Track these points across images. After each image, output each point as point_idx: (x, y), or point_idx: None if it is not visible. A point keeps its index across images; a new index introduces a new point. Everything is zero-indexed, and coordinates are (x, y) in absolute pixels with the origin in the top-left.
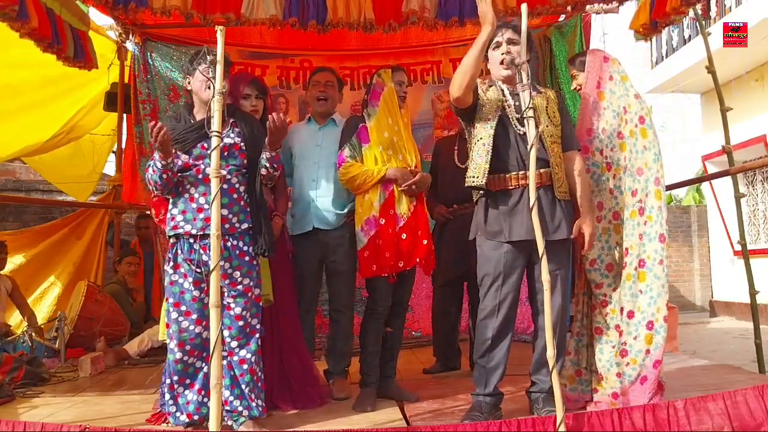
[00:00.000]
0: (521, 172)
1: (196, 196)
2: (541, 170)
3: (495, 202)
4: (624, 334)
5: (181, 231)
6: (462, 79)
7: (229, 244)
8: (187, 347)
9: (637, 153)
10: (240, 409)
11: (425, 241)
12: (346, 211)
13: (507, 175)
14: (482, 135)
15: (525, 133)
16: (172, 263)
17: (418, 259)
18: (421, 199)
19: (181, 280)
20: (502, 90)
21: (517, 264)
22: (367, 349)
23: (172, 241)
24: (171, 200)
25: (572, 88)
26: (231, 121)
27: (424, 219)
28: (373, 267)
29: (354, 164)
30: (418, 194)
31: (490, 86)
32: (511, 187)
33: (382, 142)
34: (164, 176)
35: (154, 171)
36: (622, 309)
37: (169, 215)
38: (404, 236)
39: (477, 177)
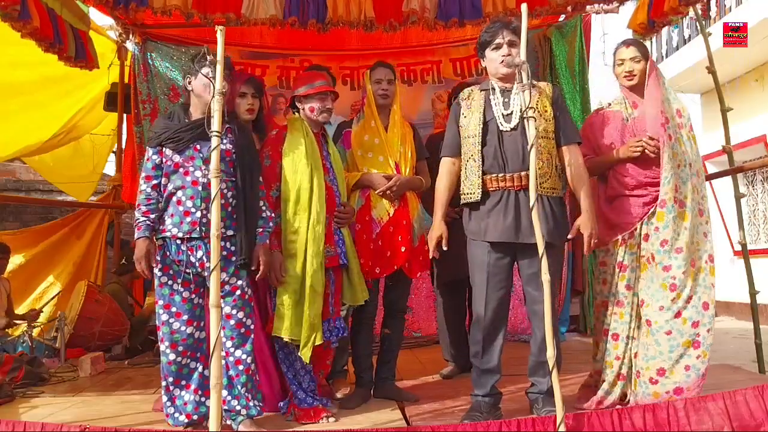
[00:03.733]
0: (500, 174)
1: (183, 199)
2: (522, 173)
3: (477, 203)
4: (699, 325)
5: (168, 234)
6: None
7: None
8: (180, 348)
9: (696, 156)
10: (238, 408)
11: (403, 248)
12: None
13: (488, 177)
14: (472, 152)
15: (510, 129)
16: (160, 266)
17: (396, 267)
18: (404, 204)
19: (170, 282)
20: (494, 88)
21: (501, 264)
22: (358, 352)
23: (159, 243)
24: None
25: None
26: (227, 126)
27: (406, 225)
28: None
29: None
30: (399, 197)
31: (480, 91)
32: (490, 189)
33: (362, 145)
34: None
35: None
36: (690, 297)
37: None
38: (380, 242)
39: (473, 194)
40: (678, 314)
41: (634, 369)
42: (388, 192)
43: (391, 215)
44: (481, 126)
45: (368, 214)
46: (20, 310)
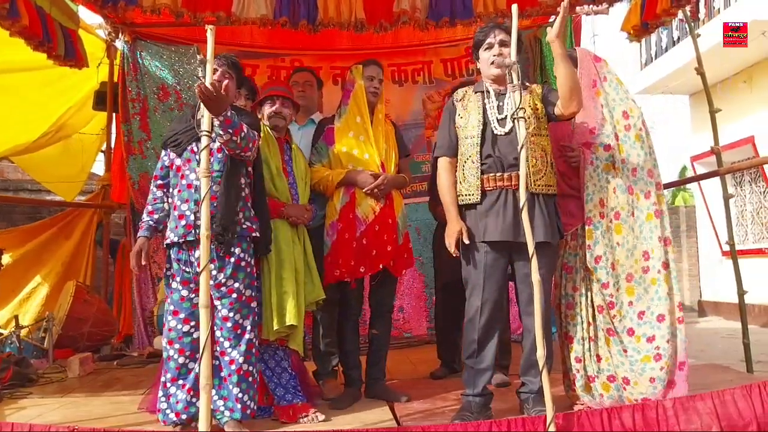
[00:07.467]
0: (498, 174)
1: (179, 203)
2: (518, 172)
3: (475, 204)
4: (657, 338)
5: (168, 241)
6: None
7: (213, 245)
8: (176, 346)
9: (646, 156)
10: (222, 409)
11: (389, 247)
12: (323, 212)
13: (485, 177)
14: (471, 153)
15: (505, 134)
16: (167, 264)
17: (381, 266)
18: (390, 202)
19: (171, 281)
20: (488, 90)
21: (498, 264)
22: (344, 349)
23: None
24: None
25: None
26: None
27: (392, 223)
28: (335, 272)
29: (319, 169)
30: (384, 195)
31: (475, 93)
32: (488, 189)
33: (346, 142)
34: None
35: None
36: (641, 313)
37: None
38: (365, 241)
39: (472, 195)
40: (630, 331)
41: (602, 372)
42: (376, 190)
43: (377, 213)
44: (481, 127)
45: (353, 212)
46: (7, 310)
